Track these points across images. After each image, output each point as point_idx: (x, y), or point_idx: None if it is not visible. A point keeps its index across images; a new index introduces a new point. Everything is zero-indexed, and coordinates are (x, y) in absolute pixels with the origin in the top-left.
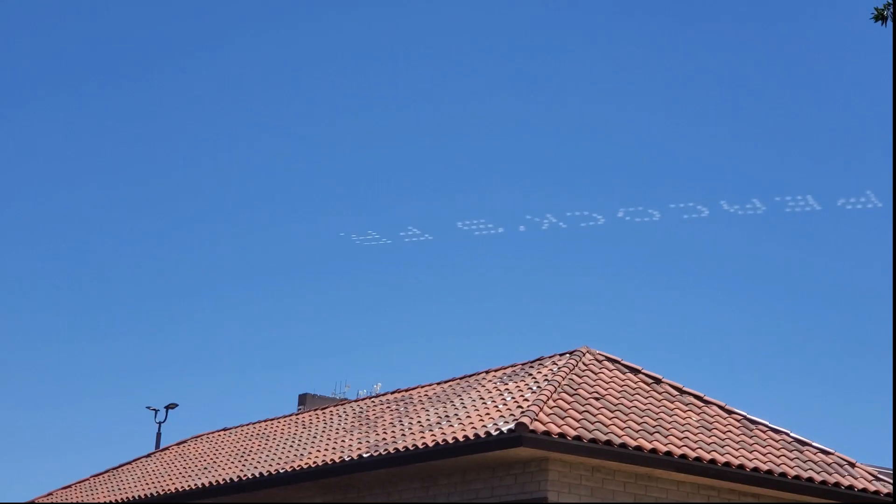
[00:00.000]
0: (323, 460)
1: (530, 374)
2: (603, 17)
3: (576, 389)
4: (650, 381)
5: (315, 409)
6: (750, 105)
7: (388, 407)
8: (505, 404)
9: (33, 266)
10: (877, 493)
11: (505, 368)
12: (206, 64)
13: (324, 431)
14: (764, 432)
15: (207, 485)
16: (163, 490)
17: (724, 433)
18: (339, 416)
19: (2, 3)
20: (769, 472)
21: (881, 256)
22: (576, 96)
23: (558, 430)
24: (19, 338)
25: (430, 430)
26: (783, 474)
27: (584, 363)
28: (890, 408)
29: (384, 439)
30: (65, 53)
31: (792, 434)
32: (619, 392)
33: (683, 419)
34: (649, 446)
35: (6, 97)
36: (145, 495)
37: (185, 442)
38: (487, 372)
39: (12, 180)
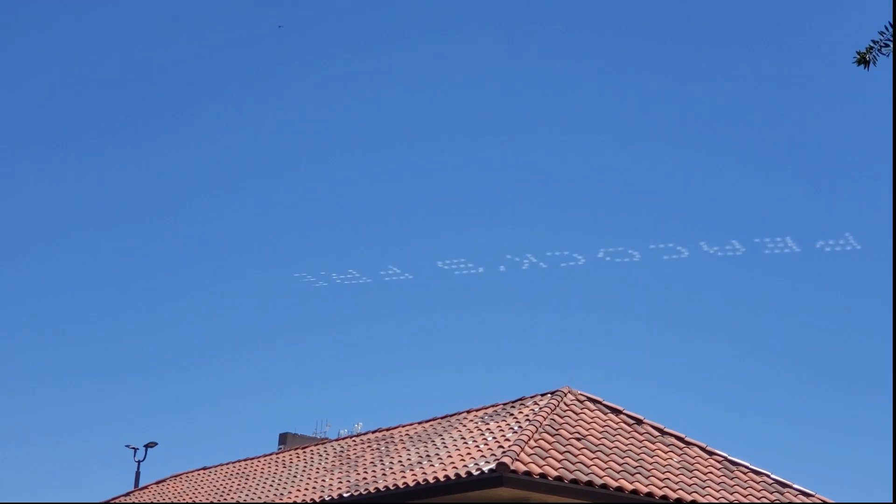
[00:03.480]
0: (303, 499)
1: (511, 415)
2: (582, 61)
3: (557, 430)
4: (631, 421)
5: (295, 449)
6: (729, 146)
7: (369, 446)
8: (486, 444)
9: (17, 304)
10: None
11: (486, 408)
12: (185, 106)
13: (304, 471)
14: (745, 474)
15: None
16: None
17: (705, 474)
18: (320, 456)
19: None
20: None
21: (860, 298)
22: (555, 136)
23: (539, 471)
24: (2, 376)
25: (411, 470)
26: None
27: (565, 403)
28: (871, 448)
29: (365, 479)
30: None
31: (773, 476)
32: (600, 433)
33: (664, 460)
34: (630, 487)
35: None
36: None
37: (164, 481)
38: (468, 412)
39: None
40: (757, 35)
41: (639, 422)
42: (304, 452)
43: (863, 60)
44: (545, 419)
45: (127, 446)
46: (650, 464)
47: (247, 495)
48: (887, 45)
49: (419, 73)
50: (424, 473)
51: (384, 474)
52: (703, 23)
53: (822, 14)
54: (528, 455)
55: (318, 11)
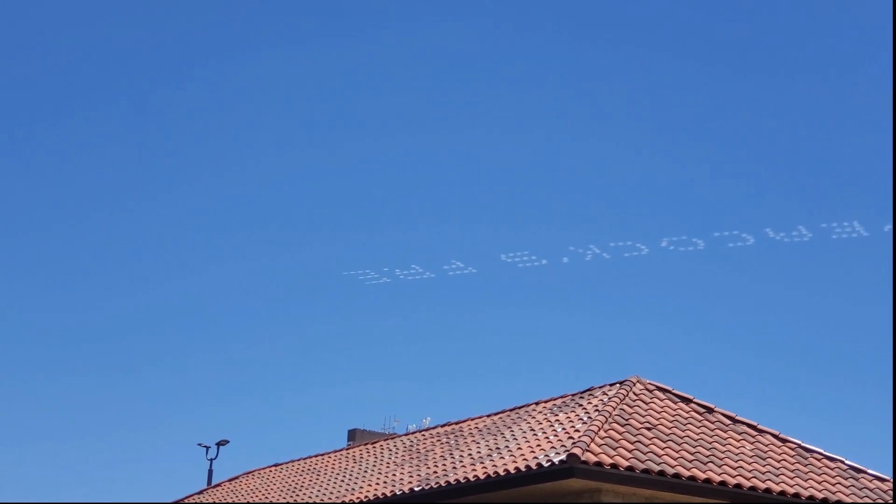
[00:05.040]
0: (374, 494)
1: (580, 405)
2: (641, 52)
3: (627, 419)
4: (702, 410)
5: (365, 444)
6: (791, 129)
7: (439, 440)
8: (556, 435)
9: (88, 306)
10: None
11: (555, 399)
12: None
13: (374, 465)
14: (819, 460)
15: None
16: None
17: (778, 462)
18: (390, 450)
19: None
20: (825, 500)
21: None
22: (614, 129)
23: (610, 461)
24: (72, 373)
25: (481, 463)
26: (839, 502)
27: (634, 393)
28: None
29: (435, 472)
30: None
31: (847, 461)
32: (671, 421)
33: (737, 448)
34: (703, 476)
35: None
36: None
37: (236, 478)
38: (537, 403)
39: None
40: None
41: (710, 410)
42: (374, 447)
43: None
44: (614, 409)
45: (199, 445)
46: (722, 452)
47: (319, 491)
48: None
49: (479, 66)
50: (495, 466)
51: (454, 468)
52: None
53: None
54: (599, 445)
55: None
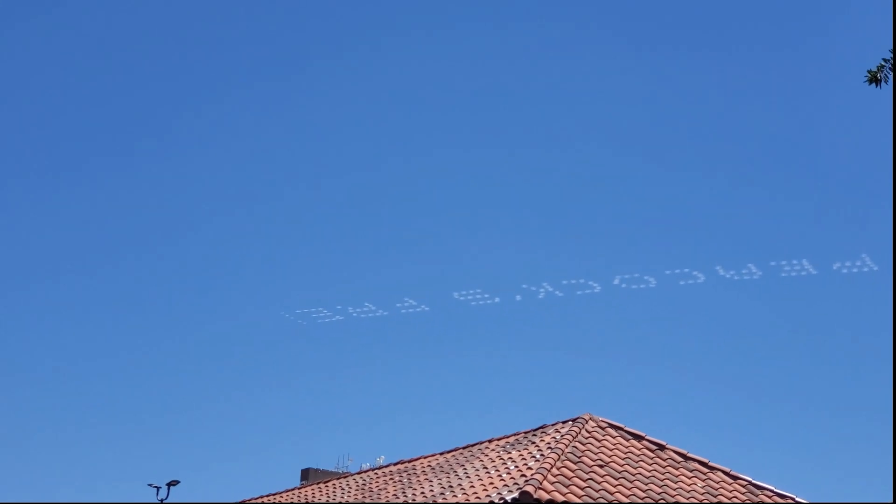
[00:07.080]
0: None
1: (533, 443)
2: (592, 81)
3: (579, 457)
4: (654, 447)
5: (318, 483)
6: (740, 170)
7: (392, 479)
8: (508, 473)
9: (41, 345)
10: None
11: (507, 437)
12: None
13: None
14: (770, 497)
15: None
16: None
17: (729, 499)
18: (343, 489)
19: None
20: None
21: (879, 319)
22: (567, 163)
23: (562, 498)
24: (23, 415)
25: (434, 501)
26: None
27: (587, 430)
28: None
29: None
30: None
31: (798, 499)
32: (623, 459)
33: (689, 485)
34: None
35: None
36: None
37: None
38: (490, 441)
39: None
40: (769, 55)
41: (661, 447)
42: (327, 486)
43: (874, 79)
44: (567, 447)
45: (149, 485)
46: (674, 490)
47: None
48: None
49: (435, 105)
50: None
51: None
52: (712, 41)
53: (833, 34)
54: (552, 483)
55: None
